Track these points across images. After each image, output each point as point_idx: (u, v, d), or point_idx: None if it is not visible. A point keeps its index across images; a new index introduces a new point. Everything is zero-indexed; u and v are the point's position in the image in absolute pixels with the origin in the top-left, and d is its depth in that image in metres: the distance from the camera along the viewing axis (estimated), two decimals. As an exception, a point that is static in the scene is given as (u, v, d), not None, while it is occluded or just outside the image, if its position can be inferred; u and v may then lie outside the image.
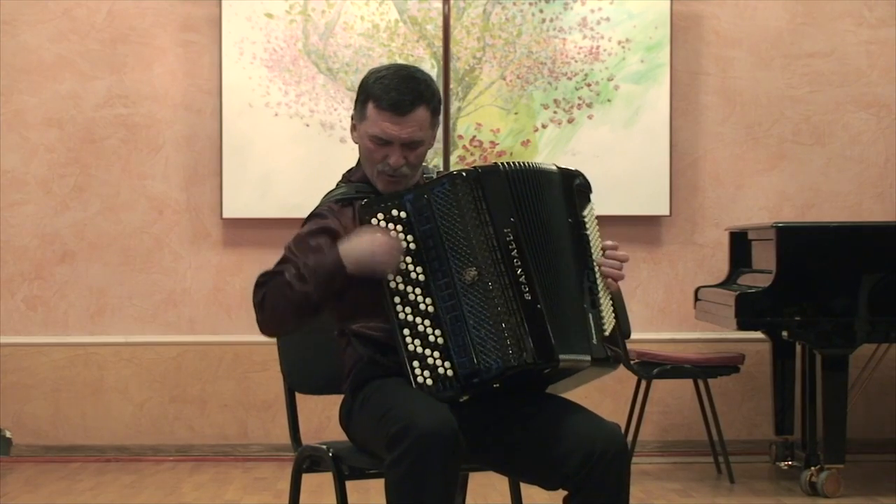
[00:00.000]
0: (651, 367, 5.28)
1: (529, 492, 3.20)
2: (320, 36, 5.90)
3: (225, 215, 5.88)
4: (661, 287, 6.01)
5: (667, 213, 5.94)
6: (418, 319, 2.86)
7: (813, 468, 5.03)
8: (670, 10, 5.92)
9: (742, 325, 4.97)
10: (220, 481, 5.41)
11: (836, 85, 6.05)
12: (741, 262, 5.56)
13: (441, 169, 3.28)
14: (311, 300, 2.91)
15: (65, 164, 5.93)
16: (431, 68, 5.89)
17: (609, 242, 3.03)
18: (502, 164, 2.95)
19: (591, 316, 2.93)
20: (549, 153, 5.89)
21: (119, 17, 5.93)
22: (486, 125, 5.91)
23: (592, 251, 2.99)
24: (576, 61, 5.92)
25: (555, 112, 5.92)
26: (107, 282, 5.93)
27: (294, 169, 5.85)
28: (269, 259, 6.23)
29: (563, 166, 3.05)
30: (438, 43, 5.90)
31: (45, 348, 5.91)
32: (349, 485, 3.06)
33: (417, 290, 2.87)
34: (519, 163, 2.97)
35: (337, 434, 3.16)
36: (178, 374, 5.93)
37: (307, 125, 5.87)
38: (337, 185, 3.14)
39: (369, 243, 2.85)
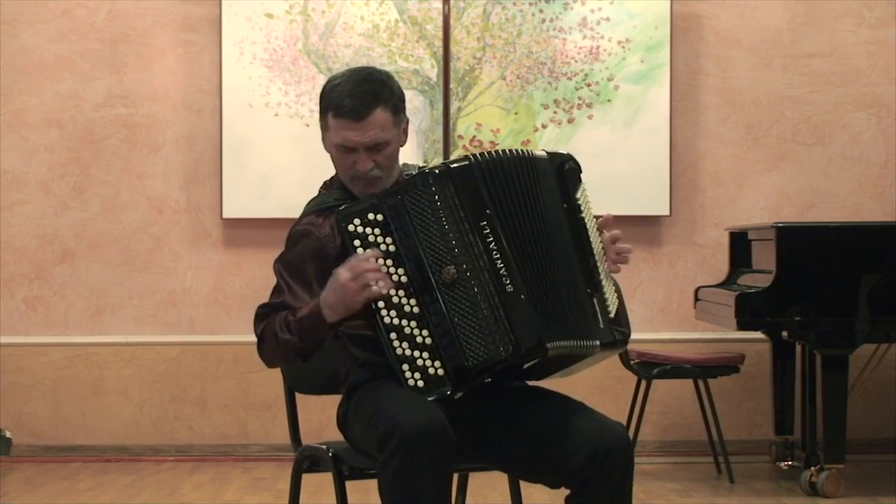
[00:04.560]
0: (651, 367, 5.28)
1: (529, 492, 3.20)
2: (320, 36, 5.90)
3: (225, 215, 5.88)
4: (661, 287, 6.01)
5: (667, 213, 5.93)
6: (404, 322, 2.84)
7: (813, 468, 5.03)
8: (670, 10, 5.92)
9: (742, 325, 4.97)
10: (220, 481, 5.41)
11: (836, 85, 6.05)
12: (741, 262, 5.56)
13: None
14: (297, 348, 2.95)
15: (65, 164, 5.93)
16: (431, 68, 5.89)
17: (601, 218, 3.01)
18: (473, 155, 2.92)
19: (594, 300, 2.92)
20: (549, 153, 5.88)
21: (119, 17, 5.93)
22: (486, 125, 5.91)
23: (590, 234, 2.96)
24: (576, 61, 5.92)
25: (555, 112, 5.92)
26: (107, 282, 5.93)
27: (294, 169, 5.85)
28: (269, 259, 6.22)
29: (553, 150, 3.02)
30: (438, 43, 5.90)
31: (45, 348, 5.91)
32: (349, 485, 3.06)
33: (401, 293, 2.84)
34: (493, 152, 2.93)
35: (337, 434, 3.16)
36: (178, 374, 5.93)
37: (307, 125, 5.87)
38: (318, 192, 3.15)
39: (336, 290, 2.82)
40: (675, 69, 5.94)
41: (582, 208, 2.96)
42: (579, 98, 5.92)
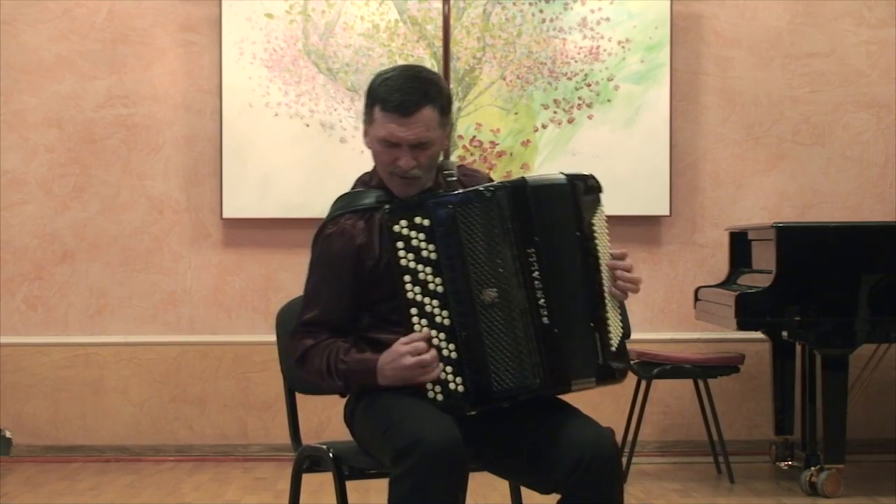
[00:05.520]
0: (651, 367, 5.28)
1: (529, 492, 3.20)
2: (320, 36, 5.90)
3: (225, 215, 5.88)
4: (661, 287, 6.01)
5: (667, 213, 5.93)
6: (434, 332, 2.84)
7: (813, 468, 5.03)
8: (670, 10, 5.92)
9: (742, 325, 4.97)
10: (220, 481, 5.41)
11: (836, 85, 6.05)
12: (741, 262, 5.56)
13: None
14: (342, 392, 3.02)
15: (65, 164, 5.93)
16: (431, 68, 5.88)
17: (617, 252, 2.98)
18: (529, 179, 2.90)
19: (597, 335, 2.90)
20: (549, 153, 5.89)
21: (119, 17, 5.93)
22: (486, 125, 5.91)
23: (601, 260, 2.93)
24: (576, 61, 5.92)
25: (555, 112, 5.92)
26: (107, 282, 5.93)
27: (294, 169, 5.85)
28: (269, 259, 6.24)
29: (571, 172, 2.97)
30: (438, 43, 5.90)
31: (45, 348, 5.91)
32: (349, 485, 3.06)
33: (435, 303, 2.84)
34: (541, 176, 2.92)
35: (337, 434, 3.16)
36: (178, 374, 5.93)
37: (307, 125, 5.87)
38: (353, 186, 3.10)
39: (398, 371, 2.83)
40: (675, 69, 5.94)
41: (596, 233, 2.93)
42: (579, 98, 5.92)
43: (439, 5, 5.89)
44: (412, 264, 2.85)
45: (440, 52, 5.89)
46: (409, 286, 2.84)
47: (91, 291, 5.93)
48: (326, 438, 3.35)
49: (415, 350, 2.81)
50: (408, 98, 2.89)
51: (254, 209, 5.87)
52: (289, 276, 5.89)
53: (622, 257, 2.98)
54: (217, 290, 5.95)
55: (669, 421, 5.97)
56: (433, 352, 2.81)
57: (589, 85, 5.93)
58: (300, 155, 5.86)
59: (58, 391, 5.92)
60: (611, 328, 2.93)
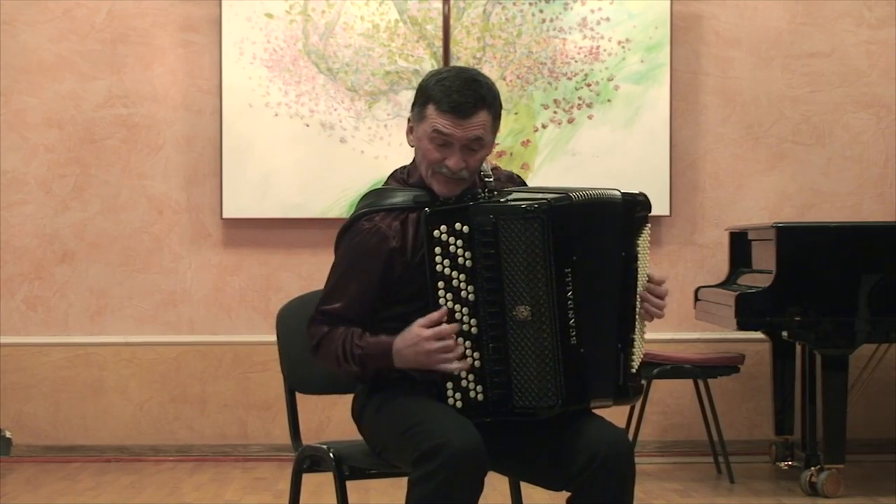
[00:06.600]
0: (651, 367, 5.28)
1: (529, 491, 3.20)
2: (320, 36, 5.90)
3: (225, 215, 5.88)
4: (661, 287, 6.00)
5: (667, 213, 5.93)
6: (460, 339, 2.83)
7: (813, 468, 5.03)
8: (670, 10, 5.92)
9: (742, 325, 4.97)
10: (220, 481, 5.41)
11: (836, 85, 6.05)
12: (741, 262, 5.56)
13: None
14: (359, 377, 2.98)
15: (65, 164, 5.93)
16: (431, 68, 5.88)
17: (656, 276, 3.00)
18: (575, 194, 2.87)
19: (622, 356, 2.92)
20: (549, 153, 5.89)
21: (119, 17, 5.93)
22: (486, 125, 5.90)
23: (638, 282, 2.95)
24: (576, 61, 5.92)
25: (555, 112, 5.92)
26: (107, 282, 5.93)
27: (294, 169, 5.85)
28: (269, 259, 6.22)
29: (626, 190, 2.95)
30: (438, 43, 5.90)
31: (45, 348, 5.91)
32: (349, 485, 3.06)
33: (465, 310, 2.83)
34: (588, 193, 2.89)
35: (337, 434, 3.17)
36: (178, 374, 5.93)
37: (307, 125, 5.87)
38: (386, 182, 3.07)
39: (418, 355, 2.82)
40: (675, 69, 5.94)
41: (639, 255, 2.95)
42: (579, 98, 5.92)
43: (439, 5, 5.89)
44: (447, 270, 2.84)
45: (440, 52, 5.89)
46: (441, 292, 2.84)
47: (91, 291, 5.93)
48: (326, 438, 3.36)
49: (438, 335, 2.81)
50: (465, 100, 2.87)
51: (254, 209, 5.87)
52: (289, 276, 5.89)
53: (660, 283, 3.02)
54: (217, 290, 5.95)
55: (669, 421, 5.97)
56: (458, 346, 2.81)
57: (589, 85, 5.93)
58: (300, 155, 5.86)
59: (58, 391, 5.92)
60: (635, 350, 2.96)
